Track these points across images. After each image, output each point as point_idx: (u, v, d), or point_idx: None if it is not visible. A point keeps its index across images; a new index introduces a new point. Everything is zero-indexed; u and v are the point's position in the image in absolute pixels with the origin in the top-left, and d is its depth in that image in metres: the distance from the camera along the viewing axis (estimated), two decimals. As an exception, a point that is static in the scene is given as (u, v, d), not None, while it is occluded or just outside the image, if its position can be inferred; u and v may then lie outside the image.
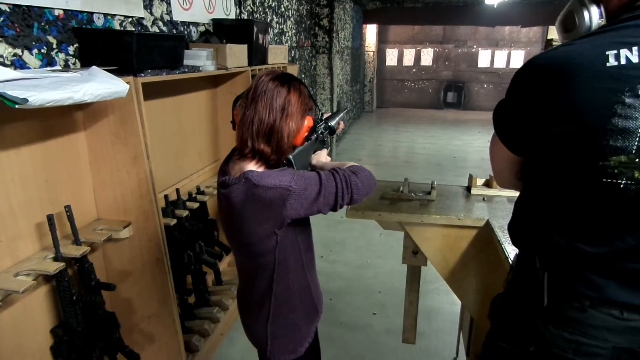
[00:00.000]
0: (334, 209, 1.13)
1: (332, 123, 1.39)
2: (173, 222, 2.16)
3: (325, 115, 1.44)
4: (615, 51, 0.77)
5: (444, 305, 2.95)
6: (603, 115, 0.77)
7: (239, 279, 1.35)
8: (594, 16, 0.89)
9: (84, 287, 1.69)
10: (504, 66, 12.29)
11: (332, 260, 3.65)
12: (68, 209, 1.60)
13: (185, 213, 2.30)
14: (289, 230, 1.15)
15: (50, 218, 1.52)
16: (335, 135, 1.47)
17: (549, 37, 2.45)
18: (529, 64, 0.88)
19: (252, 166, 1.13)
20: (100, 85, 1.39)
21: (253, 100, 1.11)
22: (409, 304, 2.07)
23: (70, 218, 1.60)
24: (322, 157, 1.31)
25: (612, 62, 0.76)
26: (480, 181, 2.03)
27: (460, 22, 10.36)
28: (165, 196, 2.22)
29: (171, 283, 1.95)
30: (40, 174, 1.58)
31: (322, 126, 1.35)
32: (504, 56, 12.24)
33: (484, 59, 12.39)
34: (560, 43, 0.92)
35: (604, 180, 0.80)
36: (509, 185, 1.15)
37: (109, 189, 1.83)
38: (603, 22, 0.89)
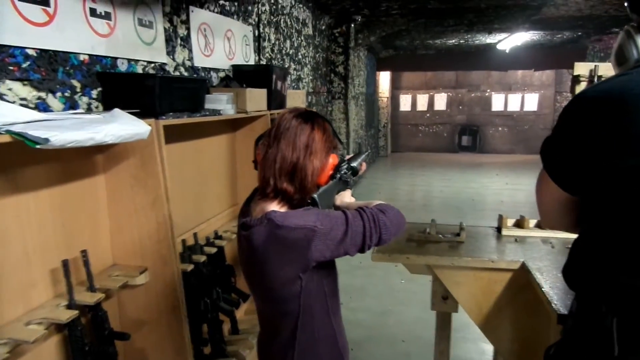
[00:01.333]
0: (362, 250, 1.06)
1: (355, 164, 1.36)
2: (190, 267, 2.09)
3: (347, 157, 1.41)
4: None
5: (473, 354, 2.77)
6: None
7: (260, 328, 1.26)
8: None
9: (97, 336, 1.61)
10: (518, 109, 12.34)
11: (352, 308, 3.50)
12: (84, 253, 1.54)
13: (202, 258, 2.23)
14: (314, 274, 1.08)
15: (65, 263, 1.46)
16: (357, 177, 1.44)
17: (575, 73, 2.41)
18: (581, 97, 0.83)
19: (274, 206, 1.08)
20: (121, 126, 1.37)
21: (276, 138, 1.07)
22: (439, 354, 1.94)
23: (87, 263, 1.55)
24: (346, 197, 1.26)
25: None
26: (510, 221, 1.94)
27: (473, 67, 10.53)
28: (183, 241, 2.16)
29: (187, 333, 1.86)
30: (57, 218, 1.55)
31: (345, 167, 1.32)
32: (518, 99, 12.31)
33: (497, 102, 12.48)
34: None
35: None
36: (559, 227, 1.07)
37: (127, 234, 1.78)
38: None
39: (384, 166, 10.85)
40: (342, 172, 1.26)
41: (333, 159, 1.14)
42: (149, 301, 1.82)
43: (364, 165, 1.46)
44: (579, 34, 7.52)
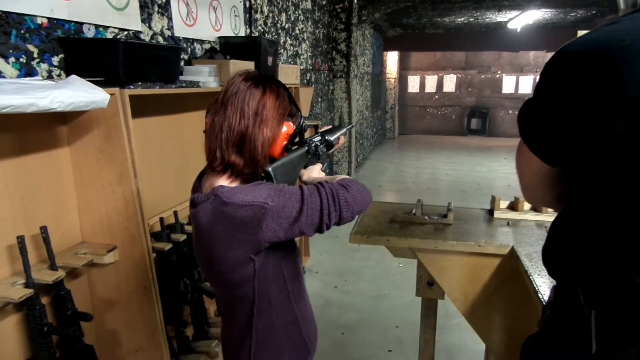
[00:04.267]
0: (320, 230, 0.94)
1: (331, 138, 1.24)
2: (168, 246, 2.00)
3: (323, 128, 1.30)
4: None
5: (467, 342, 2.68)
6: None
7: (219, 313, 1.17)
8: None
9: (59, 317, 1.53)
10: (530, 92, 12.01)
11: (346, 291, 3.42)
12: (44, 230, 1.46)
13: (182, 237, 2.14)
14: (269, 256, 0.97)
15: (21, 240, 1.38)
16: (331, 152, 1.33)
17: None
18: (562, 53, 0.69)
19: (224, 181, 0.97)
20: (73, 93, 1.26)
21: (222, 104, 0.96)
22: (424, 342, 1.84)
23: (46, 240, 1.46)
24: (314, 172, 1.14)
25: None
26: (504, 203, 1.81)
27: (483, 47, 10.23)
28: (161, 218, 2.07)
29: (160, 314, 1.78)
30: (14, 191, 1.45)
31: (318, 139, 1.20)
32: (530, 82, 11.98)
33: (508, 84, 12.16)
34: None
35: None
36: (541, 203, 0.94)
37: (94, 210, 1.69)
38: None
39: (391, 148, 10.68)
40: (314, 145, 1.16)
41: (287, 128, 1.02)
42: (119, 281, 1.74)
43: (342, 140, 1.34)
44: (594, 12, 7.21)
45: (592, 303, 0.71)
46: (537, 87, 0.73)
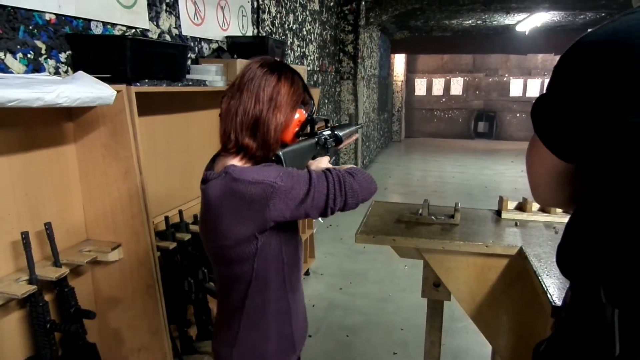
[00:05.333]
0: (324, 214, 0.97)
1: (340, 133, 1.25)
2: (173, 245, 2.00)
3: (333, 124, 1.31)
4: None
5: (473, 346, 2.64)
6: None
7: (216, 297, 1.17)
8: None
9: (62, 314, 1.52)
10: (538, 95, 11.93)
11: (351, 293, 3.39)
12: (48, 226, 1.45)
13: (187, 237, 2.14)
14: (273, 237, 0.99)
15: (25, 236, 1.37)
16: (340, 147, 1.34)
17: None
18: (581, 42, 0.67)
19: (236, 162, 0.99)
20: (79, 88, 1.26)
21: (239, 89, 0.99)
22: (430, 344, 1.81)
23: (50, 236, 1.46)
24: (322, 163, 1.16)
25: None
26: (512, 204, 1.79)
27: (491, 50, 10.18)
28: (166, 217, 2.06)
29: (163, 313, 1.77)
30: (19, 187, 1.45)
31: (328, 133, 1.22)
32: (538, 85, 11.91)
33: (516, 88, 12.09)
34: None
35: None
36: (552, 203, 0.92)
37: (100, 207, 1.69)
38: None
39: (397, 151, 10.64)
40: (324, 137, 1.18)
41: (300, 115, 1.04)
42: (122, 279, 1.73)
43: (355, 136, 1.36)
44: (603, 14, 7.15)
45: (616, 302, 0.68)
46: (553, 80, 0.71)
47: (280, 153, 1.01)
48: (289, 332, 1.09)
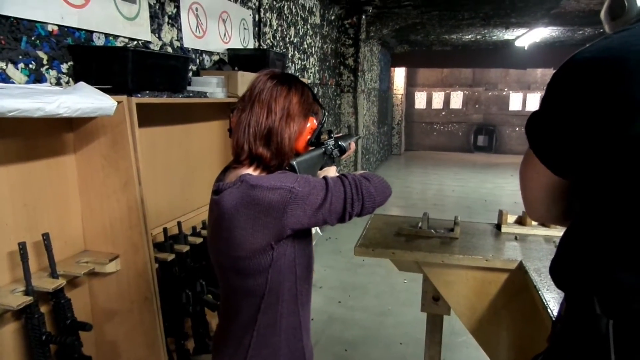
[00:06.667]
0: (342, 219, 0.97)
1: (344, 143, 1.27)
2: (171, 257, 1.99)
3: (335, 135, 1.31)
4: None
5: (474, 362, 2.61)
6: None
7: (219, 314, 1.15)
8: None
9: (58, 326, 1.51)
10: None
11: (350, 306, 3.36)
12: (46, 237, 1.45)
13: (185, 248, 2.13)
14: (287, 249, 0.98)
15: (22, 246, 1.37)
16: (343, 157, 1.35)
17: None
18: (575, 59, 0.68)
19: (250, 171, 0.99)
20: (81, 99, 1.27)
21: (250, 101, 0.99)
22: (429, 358, 1.79)
23: (48, 247, 1.45)
24: (330, 172, 1.16)
25: None
26: (511, 218, 1.78)
27: (490, 65, 10.24)
28: (164, 229, 2.05)
29: (160, 325, 1.75)
30: (18, 197, 1.45)
31: (332, 143, 1.23)
32: (537, 99, 11.96)
33: (515, 102, 12.15)
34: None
35: None
36: (545, 218, 0.92)
37: (98, 218, 1.68)
38: None
39: (397, 164, 10.65)
40: (329, 147, 1.20)
41: (311, 123, 1.05)
42: (120, 290, 1.72)
43: (353, 147, 1.37)
44: (601, 30, 7.21)
45: (610, 313, 0.68)
46: (548, 97, 0.71)
47: (294, 162, 1.02)
48: (299, 347, 1.07)
